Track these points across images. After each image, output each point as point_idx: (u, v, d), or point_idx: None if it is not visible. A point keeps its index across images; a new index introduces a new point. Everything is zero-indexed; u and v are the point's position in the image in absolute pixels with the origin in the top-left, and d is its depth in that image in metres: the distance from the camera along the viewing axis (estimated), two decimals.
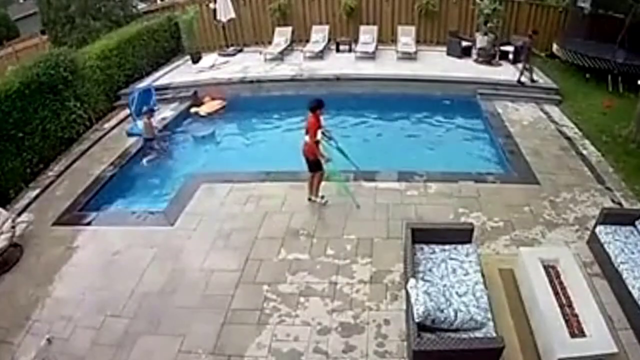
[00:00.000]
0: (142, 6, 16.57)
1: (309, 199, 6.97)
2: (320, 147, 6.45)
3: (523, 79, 10.88)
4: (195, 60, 13.67)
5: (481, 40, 12.46)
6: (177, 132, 10.46)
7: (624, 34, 10.79)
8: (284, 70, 12.53)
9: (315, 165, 6.57)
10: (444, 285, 4.62)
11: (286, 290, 5.44)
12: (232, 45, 14.74)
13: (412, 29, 13.45)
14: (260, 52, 13.63)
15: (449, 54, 13.06)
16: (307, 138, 6.37)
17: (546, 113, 9.99)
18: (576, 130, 9.12)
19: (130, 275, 5.82)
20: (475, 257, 5.05)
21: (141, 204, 7.81)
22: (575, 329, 4.28)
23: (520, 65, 10.96)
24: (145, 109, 9.40)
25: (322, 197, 6.91)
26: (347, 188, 6.98)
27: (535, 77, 10.97)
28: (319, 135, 6.30)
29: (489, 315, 4.32)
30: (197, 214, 6.95)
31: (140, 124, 10.01)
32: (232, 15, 13.96)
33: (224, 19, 13.91)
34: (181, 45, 14.72)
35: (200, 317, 5.14)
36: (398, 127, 10.36)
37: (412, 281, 4.29)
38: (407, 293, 4.29)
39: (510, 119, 9.66)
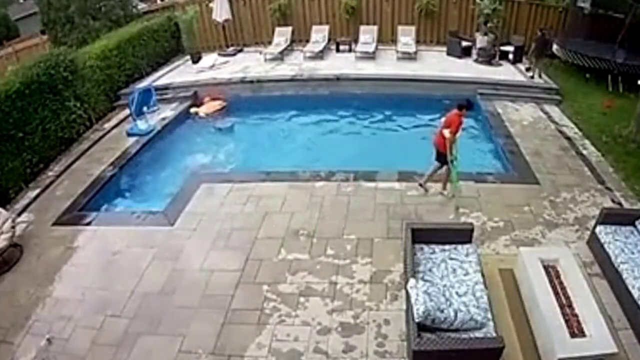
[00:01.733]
0: (142, 6, 16.54)
1: (440, 193, 7.06)
2: (454, 145, 6.55)
3: (530, 73, 11.21)
4: (195, 60, 13.67)
5: (481, 40, 12.45)
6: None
7: (624, 34, 10.78)
8: (284, 70, 12.52)
9: (444, 158, 6.65)
10: (444, 285, 4.62)
11: (286, 290, 5.44)
12: (232, 45, 14.74)
13: (412, 29, 13.44)
14: (260, 52, 13.63)
15: (449, 54, 13.05)
16: (445, 132, 6.42)
17: (546, 113, 9.99)
18: (576, 130, 9.12)
19: (130, 275, 5.82)
20: (475, 257, 5.05)
21: (141, 203, 7.80)
22: (575, 329, 4.28)
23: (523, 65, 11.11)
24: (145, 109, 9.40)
25: (453, 195, 7.00)
26: (457, 187, 6.99)
27: (535, 76, 11.09)
28: (458, 134, 6.37)
29: (489, 315, 4.32)
30: (197, 214, 6.94)
31: (140, 123, 10.01)
32: (228, 16, 13.95)
33: (219, 19, 13.91)
34: (181, 45, 14.70)
35: (200, 317, 5.14)
36: (398, 127, 10.35)
37: (412, 281, 4.29)
38: (407, 293, 4.29)
39: (510, 119, 9.66)
